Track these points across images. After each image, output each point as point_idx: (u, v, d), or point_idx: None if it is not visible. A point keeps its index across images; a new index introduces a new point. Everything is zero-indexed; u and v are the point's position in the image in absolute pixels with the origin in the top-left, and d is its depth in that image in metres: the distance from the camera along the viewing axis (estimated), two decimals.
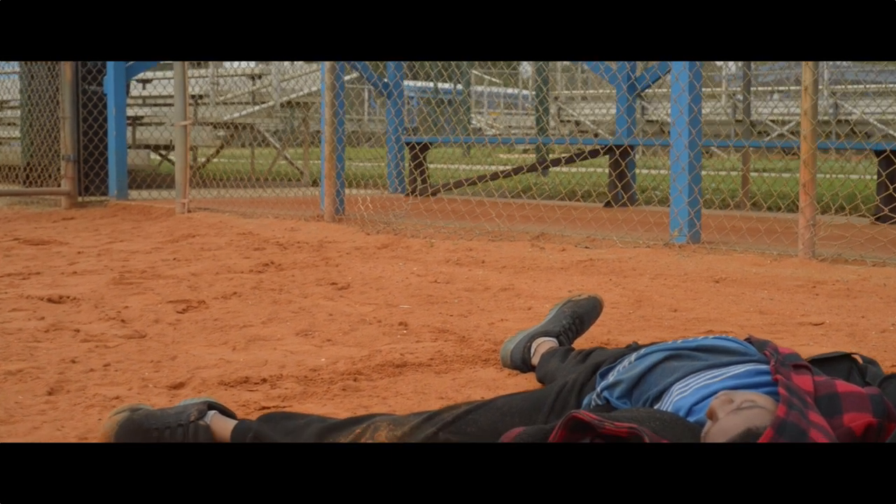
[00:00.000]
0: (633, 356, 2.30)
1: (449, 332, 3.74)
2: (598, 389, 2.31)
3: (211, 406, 2.48)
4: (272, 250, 5.94)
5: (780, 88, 18.22)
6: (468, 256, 5.52)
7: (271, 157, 12.67)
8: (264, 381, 3.09)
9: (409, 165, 9.47)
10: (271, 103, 11.76)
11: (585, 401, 2.36)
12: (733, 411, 1.92)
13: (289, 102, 11.86)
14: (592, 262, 5.24)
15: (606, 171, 9.56)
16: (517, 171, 9.24)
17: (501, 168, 10.76)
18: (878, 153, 6.93)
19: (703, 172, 8.15)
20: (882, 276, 4.61)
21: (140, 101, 12.71)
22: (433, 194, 9.25)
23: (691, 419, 2.10)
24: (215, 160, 13.58)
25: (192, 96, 11.64)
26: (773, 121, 16.95)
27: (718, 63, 18.01)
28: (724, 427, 1.90)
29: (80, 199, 9.03)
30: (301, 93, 11.66)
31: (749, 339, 2.34)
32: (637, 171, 9.87)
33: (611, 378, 2.30)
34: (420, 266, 5.25)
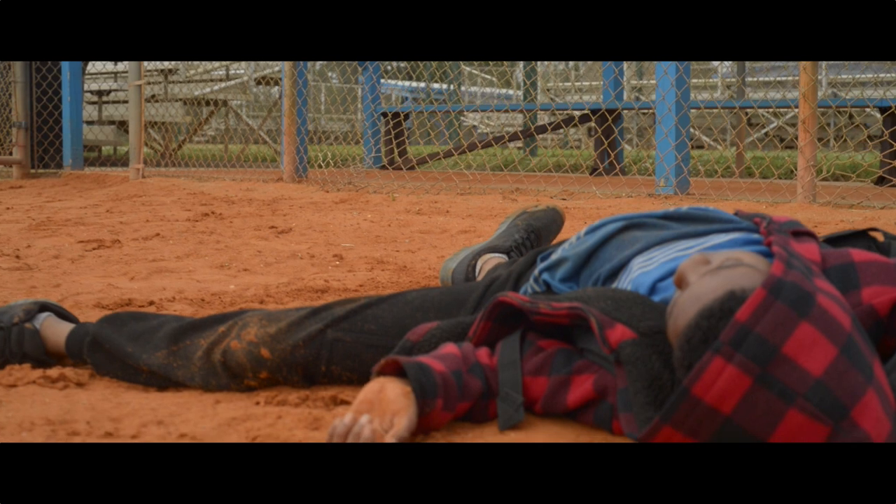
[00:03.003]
0: (583, 230, 1.76)
1: (389, 264, 3.20)
2: (537, 272, 1.77)
3: (45, 308, 1.94)
4: (218, 205, 5.39)
5: (779, 78, 17.68)
6: (432, 207, 4.98)
7: (250, 148, 12.07)
8: (151, 303, 2.55)
9: (384, 138, 8.90)
10: (245, 78, 11.21)
11: (521, 291, 1.81)
12: (710, 272, 1.38)
13: (263, 78, 11.32)
14: (567, 209, 4.69)
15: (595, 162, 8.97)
16: (500, 139, 8.69)
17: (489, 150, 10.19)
18: (882, 110, 6.41)
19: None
20: (892, 216, 4.07)
21: (112, 76, 12.14)
22: (409, 168, 8.69)
23: (655, 299, 1.56)
24: (192, 145, 13.02)
25: (161, 71, 11.08)
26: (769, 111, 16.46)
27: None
28: (698, 292, 1.36)
29: (32, 170, 8.47)
30: (276, 68, 11.10)
31: (737, 214, 1.80)
32: (626, 162, 9.35)
33: (553, 257, 1.76)
34: (376, 214, 4.71)
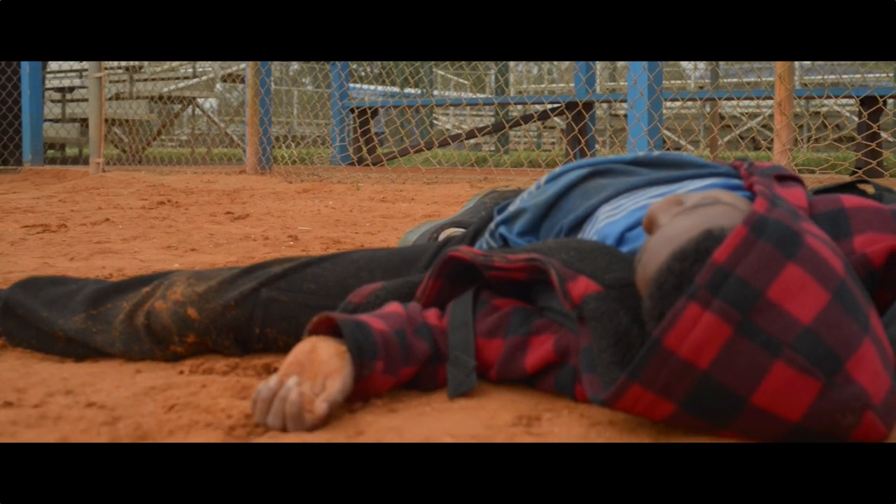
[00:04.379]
0: (543, 179, 1.59)
1: (346, 244, 3.03)
2: (493, 225, 1.60)
3: None
4: (176, 195, 5.21)
5: (749, 80, 17.66)
6: (397, 195, 4.81)
7: (217, 150, 11.84)
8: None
9: (353, 133, 8.72)
10: (211, 75, 11.01)
11: (476, 247, 1.65)
12: (684, 212, 1.22)
13: (230, 75, 11.12)
14: None
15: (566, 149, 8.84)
16: (471, 135, 8.53)
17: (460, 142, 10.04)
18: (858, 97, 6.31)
19: None
20: None
21: (77, 74, 11.90)
22: (374, 163, 8.51)
23: (623, 250, 1.40)
24: (161, 148, 12.81)
25: (126, 68, 10.86)
26: (743, 114, 16.46)
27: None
28: (670, 233, 1.20)
29: None
30: (243, 66, 10.89)
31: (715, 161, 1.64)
32: (597, 150, 9.20)
33: (511, 209, 1.59)
34: (338, 202, 4.54)
